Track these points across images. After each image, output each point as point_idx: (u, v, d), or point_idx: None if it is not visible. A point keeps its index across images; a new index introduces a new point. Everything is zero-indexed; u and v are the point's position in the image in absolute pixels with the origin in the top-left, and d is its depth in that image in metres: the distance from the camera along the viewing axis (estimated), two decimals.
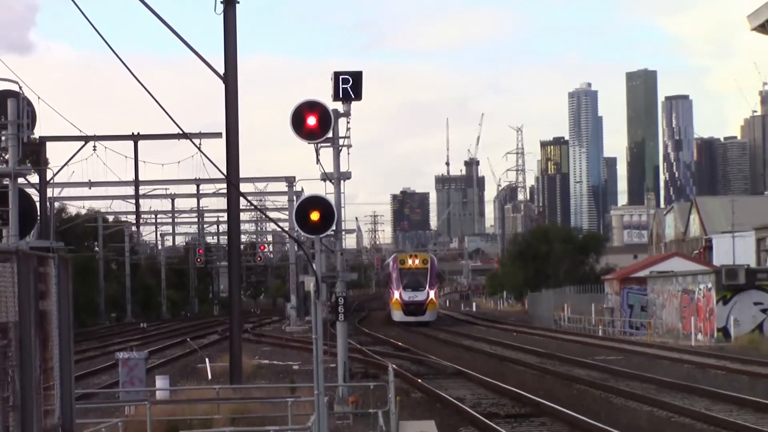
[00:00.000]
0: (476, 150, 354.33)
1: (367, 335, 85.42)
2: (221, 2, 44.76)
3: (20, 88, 30.24)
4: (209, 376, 49.21)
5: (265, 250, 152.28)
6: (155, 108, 25.49)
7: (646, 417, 37.54)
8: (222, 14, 45.54)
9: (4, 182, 28.23)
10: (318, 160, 33.41)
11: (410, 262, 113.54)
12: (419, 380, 49.45)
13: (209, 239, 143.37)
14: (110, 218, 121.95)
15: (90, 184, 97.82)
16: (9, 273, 20.49)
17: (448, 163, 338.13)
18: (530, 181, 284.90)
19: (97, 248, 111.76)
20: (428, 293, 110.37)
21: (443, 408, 40.83)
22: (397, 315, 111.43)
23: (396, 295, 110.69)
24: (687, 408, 38.65)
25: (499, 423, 36.52)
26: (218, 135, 50.56)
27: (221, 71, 45.88)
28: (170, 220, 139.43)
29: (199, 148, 34.26)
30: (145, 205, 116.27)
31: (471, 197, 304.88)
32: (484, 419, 37.34)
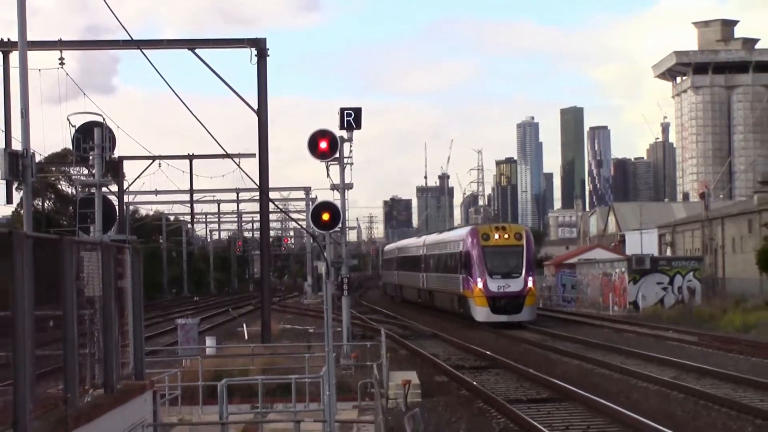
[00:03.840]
0: (447, 167, 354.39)
1: (365, 307, 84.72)
2: (255, 56, 45.45)
3: (104, 119, 30.20)
4: (246, 337, 49.10)
5: (288, 242, 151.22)
6: (205, 134, 25.44)
7: (575, 368, 37.59)
8: (256, 65, 45.96)
9: (92, 191, 28.15)
10: (328, 174, 33.41)
11: (497, 236, 60.76)
12: (405, 341, 49.52)
13: (246, 234, 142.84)
14: (171, 218, 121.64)
15: (156, 192, 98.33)
16: (95, 259, 20.50)
17: (426, 177, 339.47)
18: (488, 190, 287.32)
19: (161, 241, 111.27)
20: (525, 281, 57.88)
21: (422, 361, 40.81)
22: (481, 313, 57.72)
23: (478, 284, 57.61)
24: (606, 362, 38.69)
25: (464, 372, 36.58)
26: (253, 155, 50.53)
27: (255, 107, 46.10)
28: (216, 219, 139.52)
29: (238, 165, 34.14)
30: (198, 208, 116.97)
31: (443, 203, 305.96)
32: (453, 370, 37.44)
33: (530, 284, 57.22)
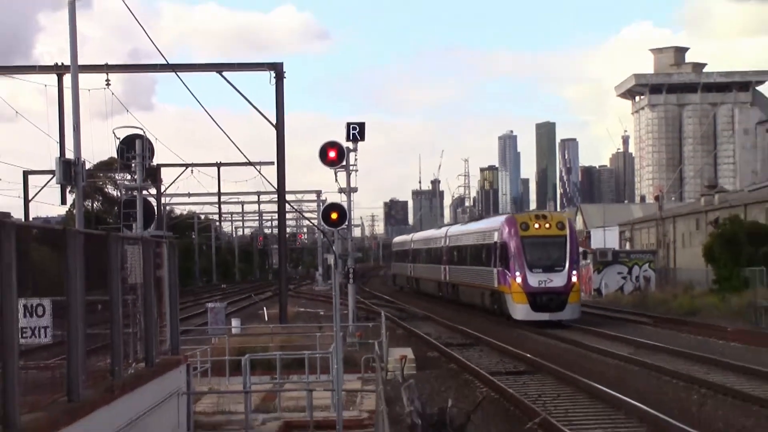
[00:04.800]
0: (438, 173, 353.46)
1: (368, 293, 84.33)
2: (274, 78, 45.48)
3: (144, 132, 30.22)
4: (266, 319, 49.11)
5: (302, 237, 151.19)
6: (231, 145, 25.56)
7: (543, 344, 37.66)
8: (274, 85, 46.01)
9: (134, 194, 28.21)
10: (336, 179, 33.42)
11: (537, 226, 49.86)
12: (402, 322, 49.41)
13: (266, 230, 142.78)
14: (202, 217, 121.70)
15: (189, 195, 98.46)
16: (137, 252, 20.57)
17: (420, 182, 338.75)
18: (473, 193, 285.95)
19: (193, 236, 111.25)
20: (569, 275, 47.48)
21: (417, 339, 40.81)
22: (520, 311, 47.07)
23: (516, 278, 47.01)
24: (573, 340, 38.72)
25: (453, 349, 36.63)
26: (271, 163, 50.38)
27: (274, 121, 46.18)
28: (241, 218, 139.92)
29: (259, 172, 34.29)
30: (224, 208, 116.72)
31: (435, 204, 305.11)
32: (443, 347, 37.50)
33: (574, 279, 45.03)
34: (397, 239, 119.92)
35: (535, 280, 44.59)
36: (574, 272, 45.84)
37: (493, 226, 51.97)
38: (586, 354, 34.54)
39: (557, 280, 44.69)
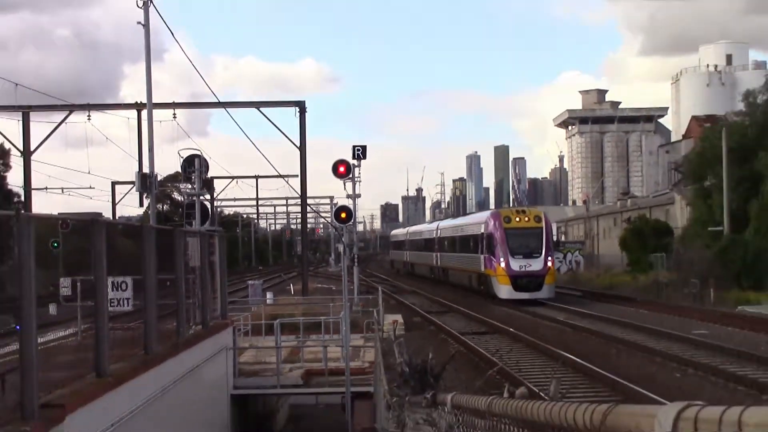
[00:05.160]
0: (421, 183, 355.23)
1: (368, 273, 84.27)
2: (298, 112, 45.42)
3: (200, 153, 30.17)
4: (292, 292, 49.19)
5: (319, 231, 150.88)
6: (266, 162, 25.63)
7: (506, 314, 37.49)
8: (298, 118, 45.97)
9: (193, 199, 28.21)
10: (345, 188, 33.31)
11: (517, 219, 45.83)
12: (394, 295, 49.38)
13: (292, 226, 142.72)
14: (244, 216, 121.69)
15: (234, 199, 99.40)
16: (196, 243, 20.54)
17: (407, 190, 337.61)
18: (447, 198, 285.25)
19: (238, 230, 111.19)
20: (545, 261, 43.97)
21: (406, 308, 40.75)
22: (504, 290, 43.50)
23: (501, 263, 43.39)
24: (524, 309, 38.68)
25: (432, 315, 36.62)
26: (296, 176, 50.34)
27: (298, 144, 46.12)
28: (273, 217, 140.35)
29: (287, 182, 34.49)
30: (261, 210, 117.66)
31: (419, 206, 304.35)
32: (425, 313, 37.49)
33: (550, 264, 41.84)
34: (395, 232, 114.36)
35: (516, 264, 41.34)
36: (550, 258, 42.62)
37: (480, 220, 48.27)
38: (533, 320, 34.50)
39: (535, 265, 41.45)
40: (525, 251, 42.10)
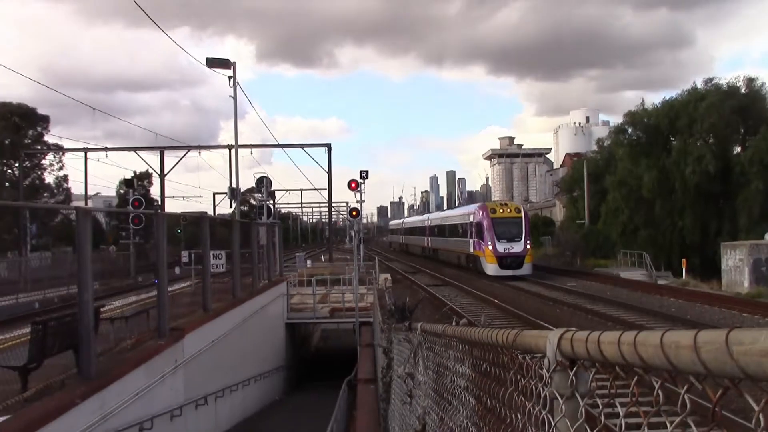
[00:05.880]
0: (402, 193, 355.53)
1: (369, 249, 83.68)
2: (326, 151, 45.12)
3: (266, 175, 30.02)
4: (323, 260, 48.90)
5: (339, 223, 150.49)
6: (307, 182, 25.37)
7: (453, 271, 37.08)
8: (326, 155, 45.71)
9: (262, 203, 28.00)
10: (355, 196, 32.98)
11: (501, 210, 34.36)
12: (386, 262, 48.98)
13: (323, 220, 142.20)
14: (294, 213, 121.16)
15: (287, 204, 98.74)
16: (264, 230, 20.33)
17: (393, 197, 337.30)
18: (417, 203, 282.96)
19: (290, 222, 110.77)
20: (525, 244, 32.76)
21: (392, 270, 40.42)
22: (491, 268, 32.67)
23: (489, 246, 32.66)
24: (465, 268, 38.38)
25: (408, 274, 36.27)
26: (325, 189, 50.17)
27: (326, 170, 45.86)
28: (311, 214, 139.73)
29: (320, 193, 34.19)
30: (305, 209, 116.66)
31: (401, 209, 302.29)
32: (404, 273, 37.10)
33: (528, 247, 34.20)
34: (393, 222, 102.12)
35: (501, 247, 33.50)
36: (528, 242, 34.26)
37: (469, 211, 38.80)
38: (469, 276, 34.19)
39: (517, 248, 33.52)
40: (508, 236, 34.06)
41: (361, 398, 10.91)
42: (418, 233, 60.36)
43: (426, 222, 56.25)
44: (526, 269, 32.91)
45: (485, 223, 34.24)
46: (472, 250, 36.15)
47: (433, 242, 51.24)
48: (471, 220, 36.62)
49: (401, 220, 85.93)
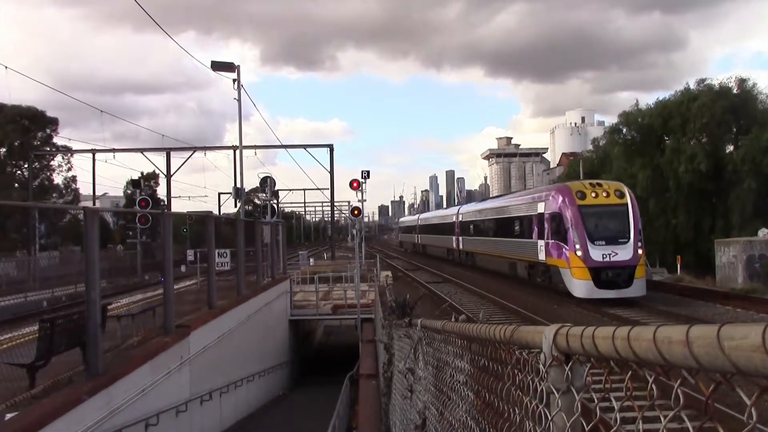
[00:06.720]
0: (402, 192, 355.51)
1: (371, 247, 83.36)
2: (329, 152, 45.06)
3: (270, 175, 29.97)
4: (325, 258, 48.89)
5: (341, 222, 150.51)
6: (310, 182, 25.30)
7: (451, 268, 37.00)
8: (329, 155, 45.65)
9: (266, 203, 27.97)
10: (356, 195, 32.95)
11: (594, 194, 14.42)
12: (386, 260, 48.83)
13: (326, 219, 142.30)
14: (297, 212, 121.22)
15: (291, 203, 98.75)
16: (268, 229, 20.30)
17: (394, 196, 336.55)
18: (417, 202, 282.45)
19: (293, 221, 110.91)
20: (635, 248, 13.68)
21: (393, 267, 40.26)
22: (581, 287, 14.06)
23: (577, 252, 13.90)
24: (463, 264, 38.20)
25: (408, 272, 36.03)
26: (327, 188, 50.16)
27: (329, 170, 45.84)
28: (314, 213, 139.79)
29: (322, 192, 34.14)
30: (308, 209, 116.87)
31: (401, 207, 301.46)
32: (405, 270, 36.84)
33: (640, 252, 18.72)
34: (404, 219, 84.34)
35: (598, 253, 19.32)
36: (640, 244, 19.74)
37: (538, 197, 23.25)
38: (469, 273, 33.97)
39: (623, 254, 19.30)
40: (608, 235, 19.62)
41: (363, 393, 10.91)
42: (441, 231, 45.86)
43: (455, 217, 40.08)
44: (636, 288, 18.50)
45: (569, 214, 19.60)
46: (543, 256, 21.46)
47: (467, 243, 36.62)
48: (542, 210, 21.64)
49: (416, 216, 68.22)
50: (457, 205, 44.83)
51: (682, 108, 38.23)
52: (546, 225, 20.50)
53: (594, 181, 20.41)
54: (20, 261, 29.34)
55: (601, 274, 18.40)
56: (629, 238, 18.76)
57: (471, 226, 34.53)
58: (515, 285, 20.52)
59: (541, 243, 21.01)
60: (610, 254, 18.51)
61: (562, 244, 19.25)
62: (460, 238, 37.17)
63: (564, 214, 19.32)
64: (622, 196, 19.64)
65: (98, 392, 7.32)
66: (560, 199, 19.78)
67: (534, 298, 20.65)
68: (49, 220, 48.54)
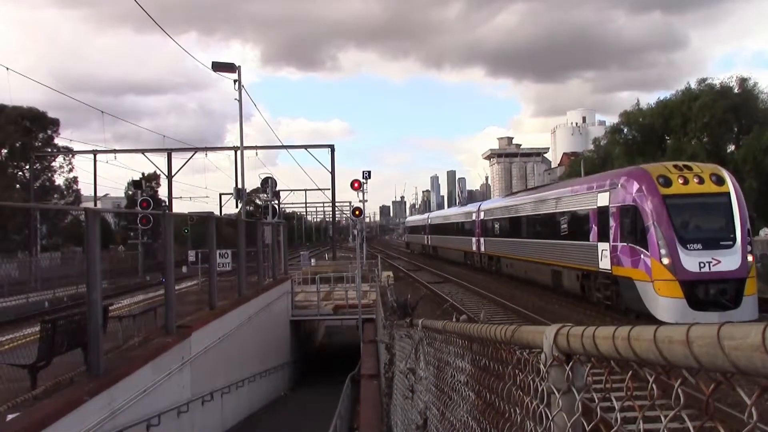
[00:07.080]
0: (403, 192, 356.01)
1: (372, 247, 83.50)
2: (330, 152, 45.06)
3: (271, 175, 29.97)
4: (326, 258, 48.89)
5: (342, 222, 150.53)
6: (311, 182, 25.29)
7: (453, 268, 36.81)
8: (330, 156, 45.64)
9: (267, 203, 27.96)
10: (358, 196, 32.92)
11: (681, 181, 8.25)
12: (387, 260, 48.85)
13: (327, 219, 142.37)
14: (298, 212, 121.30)
15: (292, 203, 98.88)
16: (269, 229, 20.29)
17: (395, 197, 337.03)
18: (419, 202, 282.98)
19: (294, 222, 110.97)
20: (743, 253, 7.81)
21: (394, 267, 40.27)
22: (669, 307, 8.09)
23: (662, 258, 8.13)
24: (463, 264, 38.20)
25: (410, 272, 35.99)
26: (328, 188, 50.13)
27: (329, 170, 45.84)
28: (315, 214, 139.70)
29: (323, 193, 34.12)
30: (309, 209, 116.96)
31: (402, 207, 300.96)
32: (406, 271, 36.77)
33: (750, 258, 11.08)
34: (411, 218, 78.34)
35: (693, 261, 11.85)
36: (749, 248, 12.21)
37: (600, 184, 14.91)
38: (468, 273, 33.94)
39: (727, 261, 11.84)
40: (706, 236, 12.42)
41: (365, 393, 10.90)
42: (457, 231, 38.46)
43: (476, 215, 32.39)
44: (747, 309, 12.46)
45: (649, 207, 13.04)
46: (607, 264, 14.49)
47: (490, 245, 28.92)
48: (605, 203, 14.65)
49: (426, 215, 60.28)
50: (476, 203, 37.35)
51: (683, 107, 38.23)
52: (612, 222, 14.05)
53: (681, 163, 13.84)
54: (22, 262, 29.39)
55: (698, 290, 12.23)
56: (735, 239, 12.55)
57: (496, 225, 27.45)
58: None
59: (603, 246, 14.45)
60: (709, 262, 12.30)
61: (640, 248, 12.94)
62: (482, 239, 30.18)
63: (642, 207, 12.96)
64: (721, 181, 13.08)
65: (100, 393, 7.33)
66: (635, 186, 13.30)
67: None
68: (50, 221, 48.62)
